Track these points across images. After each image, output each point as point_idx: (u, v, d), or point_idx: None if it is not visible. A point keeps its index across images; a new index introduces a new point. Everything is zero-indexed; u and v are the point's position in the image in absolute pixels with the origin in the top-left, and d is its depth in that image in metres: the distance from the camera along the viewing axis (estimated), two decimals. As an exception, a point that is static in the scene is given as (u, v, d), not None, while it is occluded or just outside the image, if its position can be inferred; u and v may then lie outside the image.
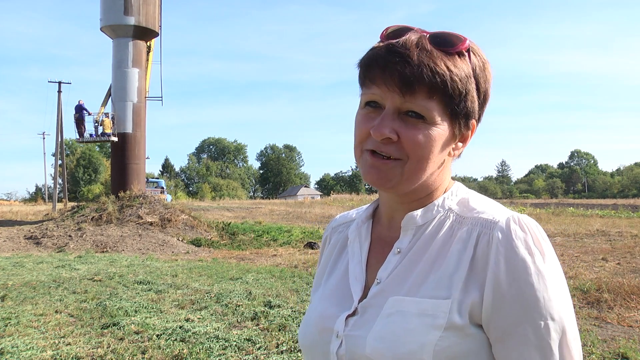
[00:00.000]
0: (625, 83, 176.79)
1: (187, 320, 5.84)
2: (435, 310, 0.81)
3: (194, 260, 11.81)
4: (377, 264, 0.93)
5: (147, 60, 20.74)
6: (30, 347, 4.84)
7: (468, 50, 0.86)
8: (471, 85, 0.86)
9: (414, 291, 0.85)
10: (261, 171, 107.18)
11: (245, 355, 4.63)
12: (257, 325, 5.59)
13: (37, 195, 62.21)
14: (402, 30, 0.87)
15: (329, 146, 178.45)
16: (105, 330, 5.44)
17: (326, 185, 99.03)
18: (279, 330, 5.35)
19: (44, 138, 59.38)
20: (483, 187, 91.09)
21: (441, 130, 0.85)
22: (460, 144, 0.91)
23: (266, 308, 6.31)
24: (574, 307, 0.86)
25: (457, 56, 0.85)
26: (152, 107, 47.34)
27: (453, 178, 0.98)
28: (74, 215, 17.88)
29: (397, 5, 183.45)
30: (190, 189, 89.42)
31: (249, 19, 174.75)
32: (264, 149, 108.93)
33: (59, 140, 29.84)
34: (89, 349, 4.81)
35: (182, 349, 4.72)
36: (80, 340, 5.09)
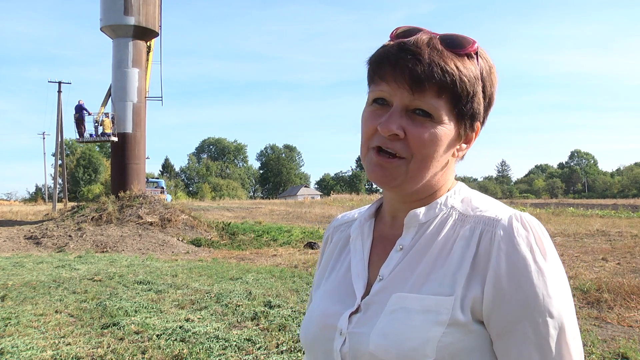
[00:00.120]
0: (625, 83, 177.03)
1: (187, 320, 5.84)
2: (439, 307, 0.82)
3: (194, 260, 11.81)
4: (379, 261, 0.93)
5: (147, 60, 20.74)
6: (30, 347, 4.84)
7: (477, 53, 0.88)
8: (478, 87, 0.87)
9: (417, 288, 0.85)
10: (261, 171, 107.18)
11: (245, 355, 4.63)
12: (257, 325, 5.59)
13: (37, 195, 62.23)
14: (413, 31, 0.88)
15: (329, 146, 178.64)
16: (105, 330, 5.43)
17: (326, 185, 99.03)
18: (279, 330, 5.35)
19: (44, 138, 59.46)
20: (483, 187, 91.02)
21: (447, 129, 0.86)
22: (464, 146, 0.92)
23: (266, 308, 6.31)
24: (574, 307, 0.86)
25: (466, 58, 0.86)
26: (152, 107, 47.34)
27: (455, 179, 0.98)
28: (74, 215, 17.88)
29: (397, 5, 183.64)
30: (190, 189, 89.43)
31: (249, 19, 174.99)
32: (264, 149, 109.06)
33: (59, 140, 29.86)
34: (89, 349, 4.81)
35: (182, 349, 4.72)
36: (80, 340, 5.09)
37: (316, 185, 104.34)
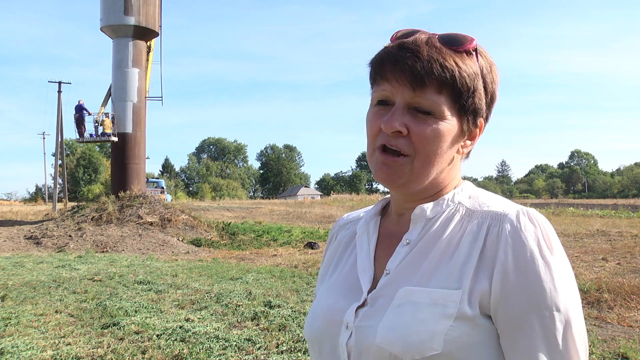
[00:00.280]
0: (625, 83, 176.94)
1: (187, 320, 5.84)
2: (446, 300, 0.82)
3: (194, 260, 11.81)
4: (385, 257, 0.93)
5: (147, 60, 20.73)
6: (30, 347, 4.84)
7: (476, 50, 0.89)
8: (479, 83, 0.88)
9: (424, 282, 0.86)
10: (261, 171, 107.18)
11: (245, 355, 4.63)
12: (257, 325, 5.59)
13: (37, 195, 62.29)
14: (412, 32, 0.90)
15: (329, 146, 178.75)
16: (105, 330, 5.44)
17: (326, 185, 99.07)
18: (279, 330, 5.35)
19: (44, 138, 59.47)
20: (483, 187, 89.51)
21: (450, 125, 0.87)
22: (469, 142, 0.93)
23: (266, 308, 6.31)
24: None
25: (465, 54, 0.88)
26: (152, 107, 47.36)
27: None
28: (74, 215, 17.88)
29: (397, 5, 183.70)
30: (191, 189, 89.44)
31: (249, 19, 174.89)
32: (264, 149, 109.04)
33: (59, 140, 29.85)
34: (89, 349, 4.81)
35: (182, 349, 4.72)
36: (80, 340, 5.09)
37: (316, 185, 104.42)
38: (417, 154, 0.87)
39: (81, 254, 13.04)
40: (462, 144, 0.92)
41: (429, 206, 0.91)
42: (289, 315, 5.91)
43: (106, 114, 19.74)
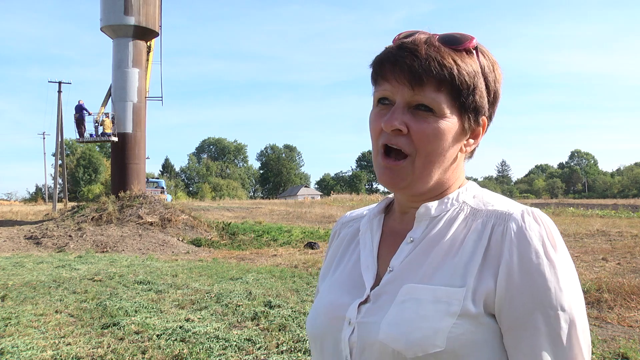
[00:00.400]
0: (625, 83, 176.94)
1: (187, 320, 5.84)
2: (450, 298, 0.82)
3: (194, 260, 11.81)
4: (389, 255, 0.94)
5: (147, 60, 20.73)
6: (30, 347, 4.84)
7: (476, 49, 0.90)
8: (479, 81, 0.89)
9: (427, 279, 0.86)
10: (261, 171, 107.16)
11: (245, 355, 4.63)
12: (257, 325, 5.59)
13: (37, 195, 62.25)
14: (414, 34, 0.91)
15: (329, 146, 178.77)
16: (106, 330, 5.44)
17: (326, 185, 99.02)
18: (279, 330, 5.35)
19: (44, 138, 59.46)
20: (483, 187, 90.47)
21: (450, 123, 0.88)
22: (472, 141, 0.93)
23: (266, 308, 6.31)
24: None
25: (464, 53, 0.88)
26: (152, 107, 47.35)
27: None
28: (74, 215, 17.88)
29: (397, 5, 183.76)
30: (191, 189, 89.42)
31: (249, 19, 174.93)
32: (264, 149, 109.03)
33: (59, 140, 29.84)
34: (89, 349, 4.81)
35: (182, 349, 4.72)
36: (80, 340, 5.09)
37: (316, 185, 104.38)
38: (417, 152, 0.87)
39: (81, 254, 13.04)
40: (465, 142, 0.92)
41: (433, 205, 0.92)
42: (289, 315, 5.91)
43: (106, 114, 19.74)
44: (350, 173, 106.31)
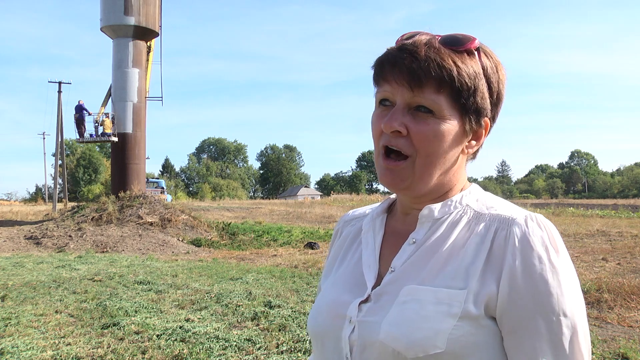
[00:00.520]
0: (625, 83, 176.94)
1: (187, 320, 5.84)
2: (451, 300, 0.83)
3: (194, 261, 11.81)
4: (390, 255, 0.94)
5: (147, 60, 20.73)
6: (30, 347, 4.84)
7: (478, 50, 0.89)
8: (480, 82, 0.88)
9: (429, 280, 0.86)
10: (261, 171, 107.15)
11: (245, 355, 4.63)
12: (257, 325, 5.59)
13: (37, 196, 62.23)
14: (415, 34, 0.91)
15: (329, 146, 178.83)
16: (105, 330, 5.43)
17: (326, 186, 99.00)
18: (279, 330, 5.35)
19: (44, 138, 59.45)
20: (483, 187, 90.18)
21: (450, 125, 0.87)
22: (474, 142, 0.93)
23: (266, 308, 6.31)
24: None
25: (465, 54, 0.88)
26: (152, 107, 47.36)
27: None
28: (74, 215, 17.87)
29: (397, 5, 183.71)
30: (191, 189, 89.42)
31: (249, 19, 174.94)
32: (264, 149, 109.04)
33: (59, 140, 29.85)
34: (89, 349, 4.81)
35: (182, 349, 4.72)
36: (80, 340, 5.09)
37: (316, 186, 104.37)
38: (417, 154, 0.87)
39: (81, 254, 13.04)
40: (467, 144, 0.92)
41: (436, 207, 0.92)
42: (289, 316, 5.91)
43: (106, 114, 19.74)
44: (350, 173, 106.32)
